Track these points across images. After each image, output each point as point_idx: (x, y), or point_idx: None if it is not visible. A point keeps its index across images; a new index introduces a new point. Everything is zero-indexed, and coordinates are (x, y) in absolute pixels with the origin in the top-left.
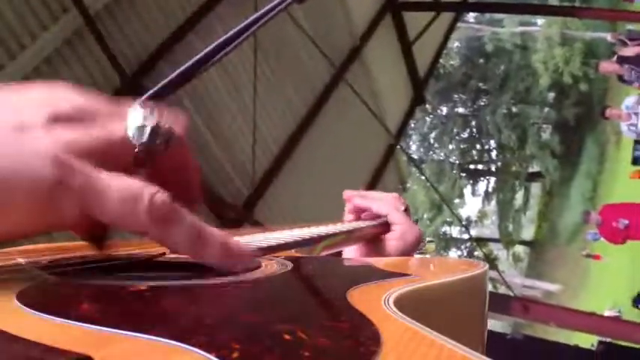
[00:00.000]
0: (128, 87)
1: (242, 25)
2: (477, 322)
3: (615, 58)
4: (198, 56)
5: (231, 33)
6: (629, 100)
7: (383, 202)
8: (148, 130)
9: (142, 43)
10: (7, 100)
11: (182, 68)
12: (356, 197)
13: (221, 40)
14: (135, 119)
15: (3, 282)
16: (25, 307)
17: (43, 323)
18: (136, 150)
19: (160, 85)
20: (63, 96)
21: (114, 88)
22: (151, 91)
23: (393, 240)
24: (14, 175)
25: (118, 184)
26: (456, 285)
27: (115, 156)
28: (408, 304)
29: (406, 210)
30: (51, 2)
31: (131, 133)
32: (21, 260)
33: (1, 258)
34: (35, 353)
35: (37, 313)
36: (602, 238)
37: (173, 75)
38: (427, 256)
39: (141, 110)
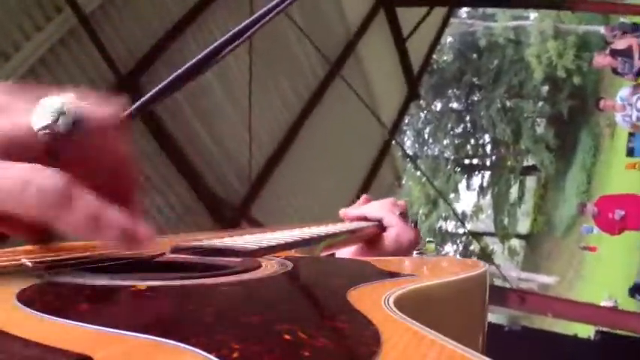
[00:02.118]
0: (124, 86)
1: (238, 28)
2: (477, 322)
3: (608, 51)
4: (195, 59)
5: (227, 36)
6: (624, 92)
7: (378, 207)
8: (53, 114)
9: (137, 41)
10: None
11: (179, 72)
12: (352, 213)
13: (217, 43)
14: (42, 105)
15: (4, 281)
16: (25, 307)
17: (44, 323)
18: (41, 133)
19: (158, 87)
20: None
21: (109, 87)
22: (149, 94)
23: (387, 241)
24: None
25: (5, 170)
26: (457, 285)
27: (20, 145)
28: (409, 304)
29: (403, 214)
30: (44, 2)
31: (35, 119)
32: (24, 260)
33: (5, 257)
34: (35, 353)
35: (37, 312)
36: (596, 232)
37: (170, 78)
38: (427, 256)
39: (50, 96)
